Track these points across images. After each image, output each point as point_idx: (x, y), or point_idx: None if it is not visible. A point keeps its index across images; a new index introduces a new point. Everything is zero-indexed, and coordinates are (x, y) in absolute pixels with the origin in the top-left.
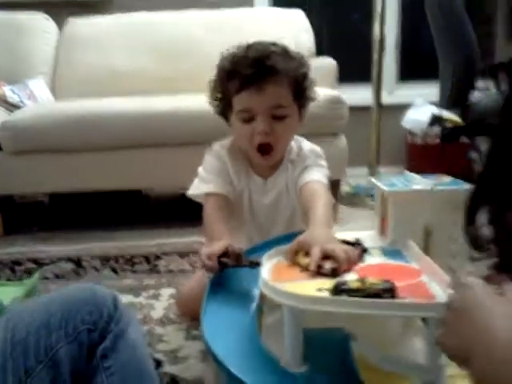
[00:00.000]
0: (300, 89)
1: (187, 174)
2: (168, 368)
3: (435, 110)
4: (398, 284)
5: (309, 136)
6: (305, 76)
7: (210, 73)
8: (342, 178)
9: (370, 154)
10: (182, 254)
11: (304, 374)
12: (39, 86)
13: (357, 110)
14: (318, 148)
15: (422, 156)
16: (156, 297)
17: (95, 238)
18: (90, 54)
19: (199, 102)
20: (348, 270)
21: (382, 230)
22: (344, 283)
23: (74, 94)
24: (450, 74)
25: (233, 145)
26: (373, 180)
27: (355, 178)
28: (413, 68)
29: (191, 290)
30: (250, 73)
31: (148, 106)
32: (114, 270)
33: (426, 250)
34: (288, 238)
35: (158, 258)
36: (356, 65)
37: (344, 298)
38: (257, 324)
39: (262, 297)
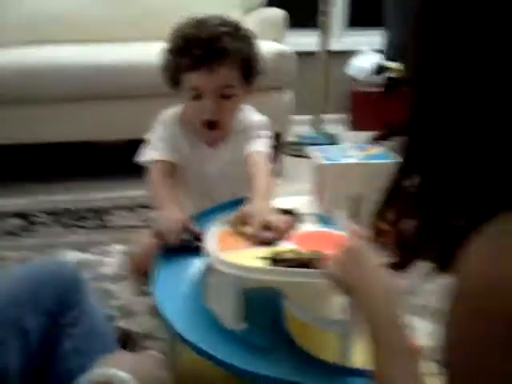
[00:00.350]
0: (249, 68)
1: (137, 125)
2: (120, 322)
3: (380, 59)
4: (328, 252)
5: (256, 90)
6: (253, 55)
7: (157, 19)
8: (287, 130)
9: (316, 101)
10: (131, 208)
11: (242, 331)
12: None
13: (305, 56)
14: (263, 118)
15: (365, 104)
16: (106, 253)
17: (43, 191)
18: None
19: (146, 53)
20: (285, 239)
21: (317, 196)
22: (278, 254)
23: (10, 40)
24: (394, 23)
25: (182, 114)
26: (310, 149)
27: (300, 125)
28: (362, 14)
29: (142, 248)
30: (201, 54)
31: (95, 58)
32: (64, 226)
33: (357, 216)
34: (234, 203)
35: (107, 212)
36: (306, 11)
37: (276, 268)
38: (202, 285)
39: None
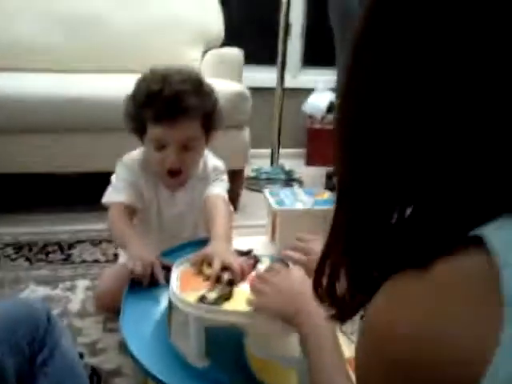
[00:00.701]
0: (210, 121)
1: (100, 158)
2: (88, 360)
3: (333, 97)
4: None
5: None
6: (214, 109)
7: (120, 50)
8: (245, 166)
9: (272, 136)
10: (95, 243)
11: (206, 368)
12: None
13: (262, 92)
14: (220, 163)
15: (320, 140)
16: (72, 289)
17: (4, 223)
18: None
19: (108, 87)
20: (243, 280)
21: (273, 237)
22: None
23: None
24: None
25: (143, 158)
26: (265, 192)
27: (258, 159)
28: (317, 53)
29: (108, 286)
30: (165, 111)
31: (55, 89)
32: (29, 260)
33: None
34: (195, 244)
35: (71, 246)
36: (266, 49)
37: (235, 309)
38: (167, 322)
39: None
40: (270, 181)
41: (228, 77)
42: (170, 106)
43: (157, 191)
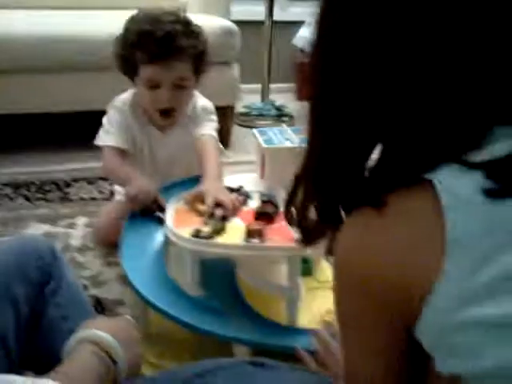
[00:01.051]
0: (199, 62)
1: (94, 96)
2: (92, 291)
3: None
4: (270, 227)
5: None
6: (204, 50)
7: None
8: (235, 102)
9: (263, 71)
10: (91, 181)
11: (201, 297)
12: None
13: (251, 26)
14: (209, 103)
15: None
16: (72, 225)
17: (1, 163)
18: None
19: (99, 24)
20: (234, 215)
21: (262, 175)
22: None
23: None
24: None
25: (134, 100)
26: (254, 132)
27: (249, 95)
28: None
29: (106, 221)
30: (157, 50)
31: (46, 27)
32: (27, 199)
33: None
34: (189, 181)
35: (68, 184)
36: None
37: (231, 242)
38: (164, 255)
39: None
40: (261, 116)
41: (215, 12)
42: (162, 46)
43: (148, 133)
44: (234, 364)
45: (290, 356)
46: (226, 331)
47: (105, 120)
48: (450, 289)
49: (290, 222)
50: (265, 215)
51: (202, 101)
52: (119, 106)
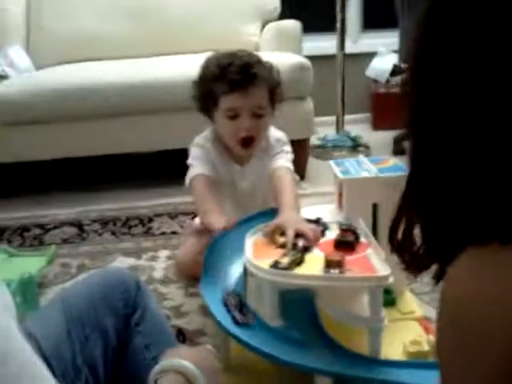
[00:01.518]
0: (274, 93)
1: (171, 137)
2: (174, 321)
3: (397, 59)
4: (349, 257)
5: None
6: (277, 82)
7: (181, 32)
8: (310, 135)
9: (336, 103)
10: (172, 216)
11: (281, 327)
12: (18, 54)
13: (323, 60)
14: (282, 134)
15: (385, 105)
16: (155, 258)
17: (90, 201)
18: (60, 17)
19: (178, 70)
20: (315, 245)
21: (340, 206)
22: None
23: (48, 59)
24: (407, 23)
25: (214, 136)
26: (330, 163)
27: (323, 127)
28: (377, 16)
29: (186, 255)
30: (239, 78)
31: (130, 75)
32: (114, 234)
33: (375, 223)
34: (265, 214)
35: (150, 220)
36: (322, 15)
37: (308, 273)
38: (243, 287)
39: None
40: (337, 148)
41: (287, 49)
42: (241, 73)
43: (229, 167)
44: None
45: None
46: (306, 362)
47: (190, 159)
48: None
49: (394, 250)
50: (345, 244)
51: (275, 132)
52: (201, 142)
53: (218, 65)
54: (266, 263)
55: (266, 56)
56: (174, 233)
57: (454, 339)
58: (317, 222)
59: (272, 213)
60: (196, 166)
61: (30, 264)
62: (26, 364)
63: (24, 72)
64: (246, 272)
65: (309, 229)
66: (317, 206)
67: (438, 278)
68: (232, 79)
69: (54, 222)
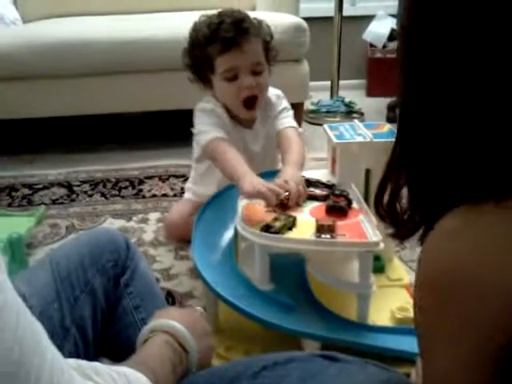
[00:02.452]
0: (269, 48)
1: (163, 98)
2: (163, 284)
3: (394, 23)
4: (341, 223)
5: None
6: (271, 37)
7: None
8: (305, 99)
9: (332, 67)
10: (163, 178)
11: (271, 291)
12: (5, 5)
13: (320, 22)
14: (278, 91)
15: (382, 70)
16: (145, 221)
17: (79, 161)
18: None
19: (170, 28)
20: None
21: (333, 170)
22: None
23: (37, 13)
24: None
25: (217, 102)
26: (325, 127)
27: (318, 92)
28: None
29: (177, 217)
30: (231, 35)
31: (119, 32)
32: (104, 195)
33: (367, 188)
34: (267, 174)
35: (141, 182)
36: None
37: (300, 237)
38: (234, 249)
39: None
40: (330, 114)
41: (284, 9)
42: (234, 31)
43: (238, 131)
44: (304, 357)
45: (359, 353)
46: (295, 326)
47: (198, 125)
48: None
49: (379, 214)
50: (337, 209)
51: (272, 90)
52: (209, 107)
53: (208, 25)
54: (257, 227)
55: (262, 16)
56: (164, 195)
57: (441, 303)
58: (331, 187)
59: (273, 174)
60: (209, 132)
61: (19, 224)
62: (21, 312)
63: (11, 25)
64: (236, 235)
65: (295, 184)
66: (309, 171)
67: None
68: (225, 37)
69: (43, 182)
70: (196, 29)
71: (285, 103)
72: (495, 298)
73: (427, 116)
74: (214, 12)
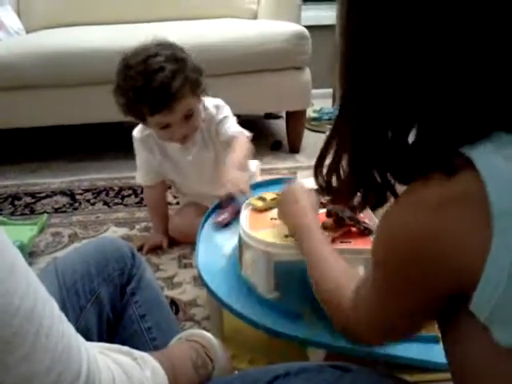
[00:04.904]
0: (198, 87)
1: None
2: (167, 292)
3: None
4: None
5: (274, 71)
6: (195, 71)
7: None
8: (306, 107)
9: (334, 75)
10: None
11: (276, 299)
12: (8, 15)
13: (322, 30)
14: (218, 101)
15: None
16: (148, 229)
17: (82, 170)
18: None
19: (174, 37)
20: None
21: None
22: None
23: (40, 22)
24: None
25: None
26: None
27: (320, 99)
28: None
29: (182, 225)
30: (159, 102)
31: (125, 42)
32: (106, 204)
33: None
34: (272, 183)
35: (142, 190)
36: None
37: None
38: (238, 257)
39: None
40: (332, 121)
41: (286, 18)
42: (161, 96)
43: (172, 152)
44: (316, 367)
45: (363, 360)
46: (301, 333)
47: (136, 155)
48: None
49: (317, 180)
50: (339, 218)
51: (210, 101)
52: (140, 137)
53: (133, 88)
54: (261, 233)
55: (264, 24)
56: (167, 203)
57: (404, 265)
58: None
59: (280, 182)
60: (141, 174)
61: (21, 233)
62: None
63: (14, 35)
64: (241, 243)
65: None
66: (311, 179)
67: (373, 205)
68: (152, 104)
69: (46, 190)
70: (122, 84)
71: (225, 112)
72: (453, 261)
73: (369, 75)
74: (141, 49)
